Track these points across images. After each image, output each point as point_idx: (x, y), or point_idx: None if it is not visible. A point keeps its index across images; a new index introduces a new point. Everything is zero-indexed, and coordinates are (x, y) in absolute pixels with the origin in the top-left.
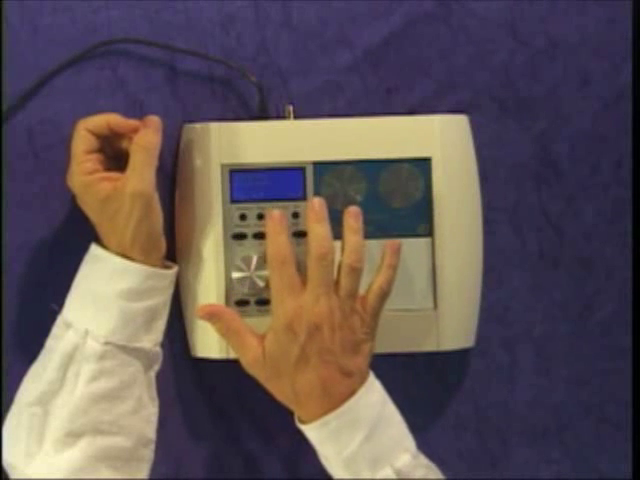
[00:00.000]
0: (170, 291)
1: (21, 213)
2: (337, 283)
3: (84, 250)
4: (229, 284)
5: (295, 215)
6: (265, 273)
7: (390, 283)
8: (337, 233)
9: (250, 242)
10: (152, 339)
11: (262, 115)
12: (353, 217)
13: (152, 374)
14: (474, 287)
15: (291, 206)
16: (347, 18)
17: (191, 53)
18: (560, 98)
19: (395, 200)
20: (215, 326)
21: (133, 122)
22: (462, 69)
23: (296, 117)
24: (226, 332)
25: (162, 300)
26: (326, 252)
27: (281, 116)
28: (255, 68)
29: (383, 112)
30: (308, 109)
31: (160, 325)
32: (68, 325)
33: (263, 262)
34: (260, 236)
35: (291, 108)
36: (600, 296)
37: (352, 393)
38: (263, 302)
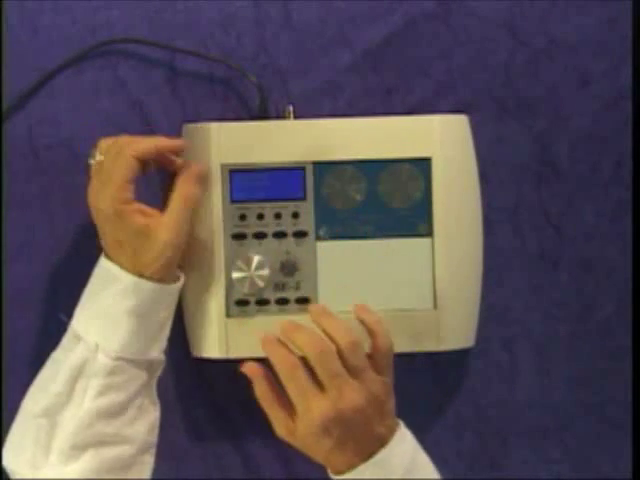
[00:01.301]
0: (176, 301)
1: (21, 213)
2: (345, 364)
3: (84, 250)
4: (229, 284)
5: (295, 215)
6: (265, 273)
7: (388, 337)
8: (336, 233)
9: (250, 242)
10: (158, 347)
11: (262, 115)
12: (320, 311)
13: (154, 380)
14: (474, 287)
15: (291, 206)
16: (347, 18)
17: (191, 53)
18: (560, 98)
19: (395, 200)
20: (254, 387)
21: (178, 142)
22: (462, 69)
23: (296, 117)
24: (260, 397)
25: (170, 311)
26: (322, 349)
27: (281, 116)
28: (255, 68)
29: (383, 112)
30: (308, 109)
31: (166, 333)
32: (78, 338)
33: (263, 262)
34: (260, 236)
35: (291, 108)
36: (600, 296)
37: (384, 444)
38: (263, 302)
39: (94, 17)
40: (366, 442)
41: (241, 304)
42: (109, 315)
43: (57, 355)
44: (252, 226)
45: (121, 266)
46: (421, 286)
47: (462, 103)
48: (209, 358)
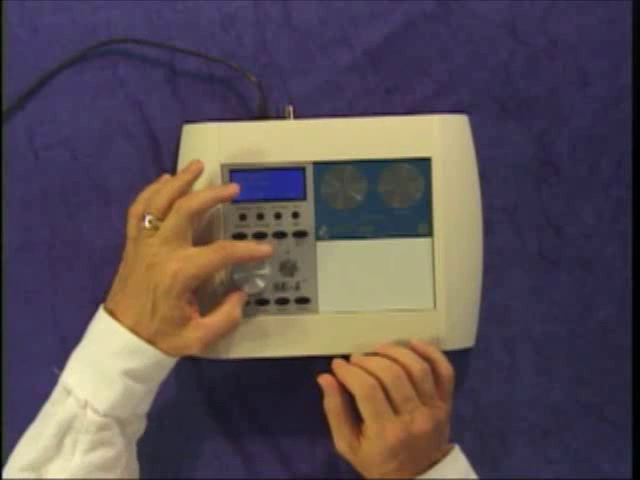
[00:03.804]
0: (171, 369)
1: (21, 213)
2: (416, 388)
3: (83, 250)
4: (229, 284)
5: (295, 215)
6: (265, 272)
7: (448, 364)
8: (336, 233)
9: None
10: (144, 408)
11: (262, 115)
12: (386, 345)
13: (135, 441)
14: (474, 287)
15: (291, 206)
16: (347, 18)
17: (191, 53)
18: (560, 98)
19: (395, 200)
20: (325, 398)
21: (266, 248)
22: (462, 69)
23: (296, 117)
24: (330, 410)
25: (163, 377)
26: (398, 374)
27: (281, 116)
28: (255, 68)
29: (383, 112)
30: (308, 109)
31: (153, 396)
32: (68, 392)
33: (263, 262)
34: (260, 236)
35: (291, 108)
36: (600, 296)
37: (434, 464)
38: (263, 302)
39: (94, 17)
40: (422, 466)
41: None
42: (103, 373)
43: (46, 409)
44: (252, 226)
45: (122, 323)
46: (421, 286)
47: (462, 103)
48: (209, 358)
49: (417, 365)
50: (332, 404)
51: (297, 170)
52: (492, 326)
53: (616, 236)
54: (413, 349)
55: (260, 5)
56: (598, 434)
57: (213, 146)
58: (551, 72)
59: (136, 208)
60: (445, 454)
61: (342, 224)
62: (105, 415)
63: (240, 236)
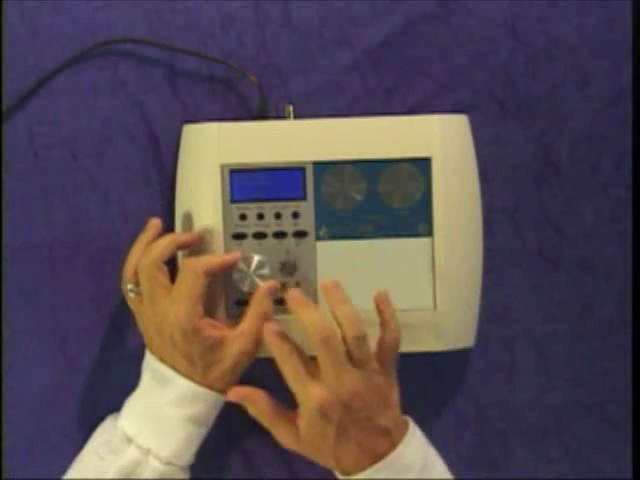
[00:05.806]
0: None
1: (21, 213)
2: (349, 353)
3: (83, 251)
4: (229, 284)
5: (295, 215)
6: (265, 272)
7: (398, 332)
8: (336, 233)
9: (250, 242)
10: (198, 449)
11: (262, 115)
12: (332, 290)
13: None
14: (474, 287)
15: (291, 206)
16: (347, 18)
17: (191, 53)
18: (560, 98)
19: (395, 200)
20: (248, 409)
21: (234, 256)
22: (462, 69)
23: (296, 117)
24: (258, 415)
25: (215, 417)
26: (327, 335)
27: (281, 116)
28: (255, 68)
29: (383, 112)
30: (308, 109)
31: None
32: (129, 440)
33: (263, 262)
34: (260, 236)
35: (291, 108)
36: (600, 296)
37: (393, 442)
38: None
39: (94, 17)
40: (371, 435)
41: (241, 304)
42: (163, 421)
43: (102, 453)
44: (252, 226)
45: (180, 372)
46: (421, 286)
47: (462, 103)
48: None
49: (353, 332)
50: (256, 410)
51: (297, 170)
52: (492, 326)
53: (616, 236)
54: (375, 300)
55: (260, 5)
56: (598, 434)
57: (213, 146)
58: (551, 72)
59: (124, 284)
60: (399, 426)
61: (342, 224)
62: (168, 463)
63: (240, 236)
